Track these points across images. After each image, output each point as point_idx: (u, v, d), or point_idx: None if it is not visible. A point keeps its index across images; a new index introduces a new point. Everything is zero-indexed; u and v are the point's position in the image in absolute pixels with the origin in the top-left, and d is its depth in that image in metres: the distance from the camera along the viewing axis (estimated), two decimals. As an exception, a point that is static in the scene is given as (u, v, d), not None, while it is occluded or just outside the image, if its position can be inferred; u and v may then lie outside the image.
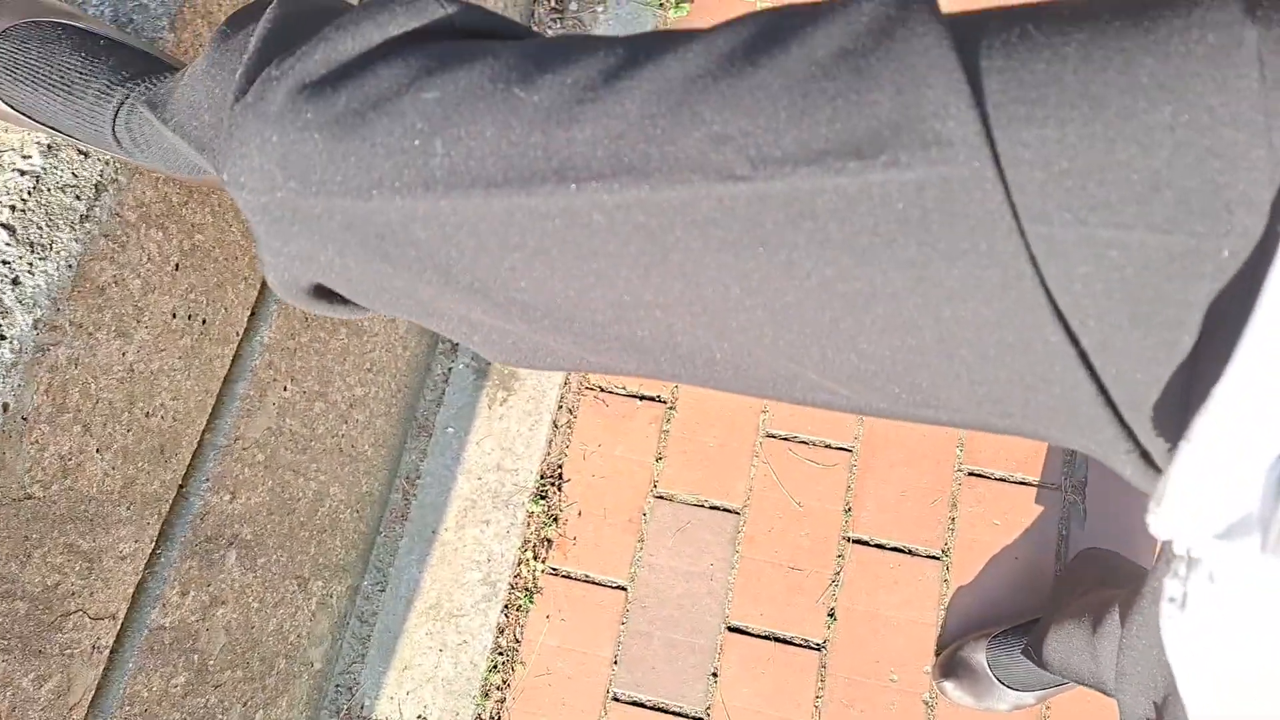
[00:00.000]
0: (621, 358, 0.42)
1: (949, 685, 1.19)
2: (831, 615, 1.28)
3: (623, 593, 1.32)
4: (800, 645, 1.27)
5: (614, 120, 0.36)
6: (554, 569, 1.34)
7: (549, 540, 1.36)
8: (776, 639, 1.28)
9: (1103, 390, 0.32)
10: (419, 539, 1.39)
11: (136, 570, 0.89)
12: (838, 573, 1.29)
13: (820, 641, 1.27)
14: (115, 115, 0.68)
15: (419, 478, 1.42)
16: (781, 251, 0.35)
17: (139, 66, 0.70)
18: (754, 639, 1.28)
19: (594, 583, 1.33)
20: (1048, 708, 1.20)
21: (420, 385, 1.46)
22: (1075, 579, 1.11)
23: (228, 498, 1.01)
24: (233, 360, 0.99)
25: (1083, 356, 0.32)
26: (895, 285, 0.33)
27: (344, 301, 0.51)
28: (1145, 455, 0.34)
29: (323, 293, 0.50)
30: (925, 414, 0.38)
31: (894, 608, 1.27)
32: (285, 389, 1.08)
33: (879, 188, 0.32)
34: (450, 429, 1.44)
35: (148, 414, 0.86)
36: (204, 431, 0.96)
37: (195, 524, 0.96)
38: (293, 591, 1.18)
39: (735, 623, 1.29)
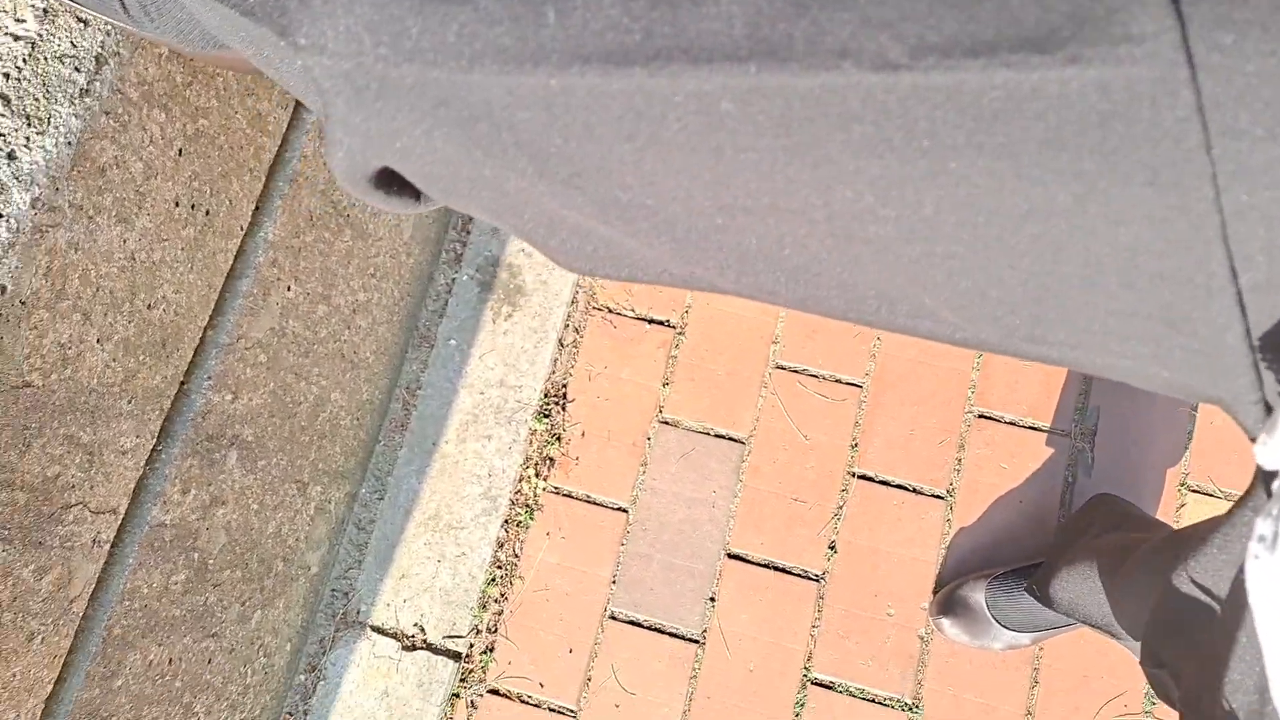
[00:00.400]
0: (718, 270, 0.39)
1: (946, 622, 1.19)
2: (832, 548, 1.27)
3: (624, 514, 1.31)
4: (799, 575, 1.27)
5: None
6: (556, 487, 1.33)
7: (551, 459, 1.34)
8: (776, 568, 1.28)
9: (1248, 333, 0.29)
10: (419, 450, 1.37)
11: (138, 465, 0.87)
12: (840, 506, 1.29)
13: (819, 573, 1.27)
14: None
15: (420, 389, 1.40)
16: (931, 155, 0.31)
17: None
18: (753, 566, 1.28)
19: (595, 503, 1.32)
20: (1041, 649, 1.21)
21: (423, 295, 1.42)
22: (1086, 522, 1.10)
23: (229, 397, 0.98)
24: (236, 255, 0.95)
25: (1238, 295, 0.29)
26: (1055, 202, 0.30)
27: (405, 191, 0.46)
28: (1267, 404, 0.31)
29: (384, 180, 0.46)
30: (1034, 350, 0.35)
31: (895, 544, 1.27)
32: (289, 289, 1.04)
33: (1056, 87, 0.28)
34: (453, 341, 1.41)
35: (149, 306, 0.83)
36: (206, 328, 0.93)
37: (197, 422, 0.94)
38: (292, 495, 1.17)
39: (735, 550, 1.29)
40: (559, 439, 1.35)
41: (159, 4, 0.63)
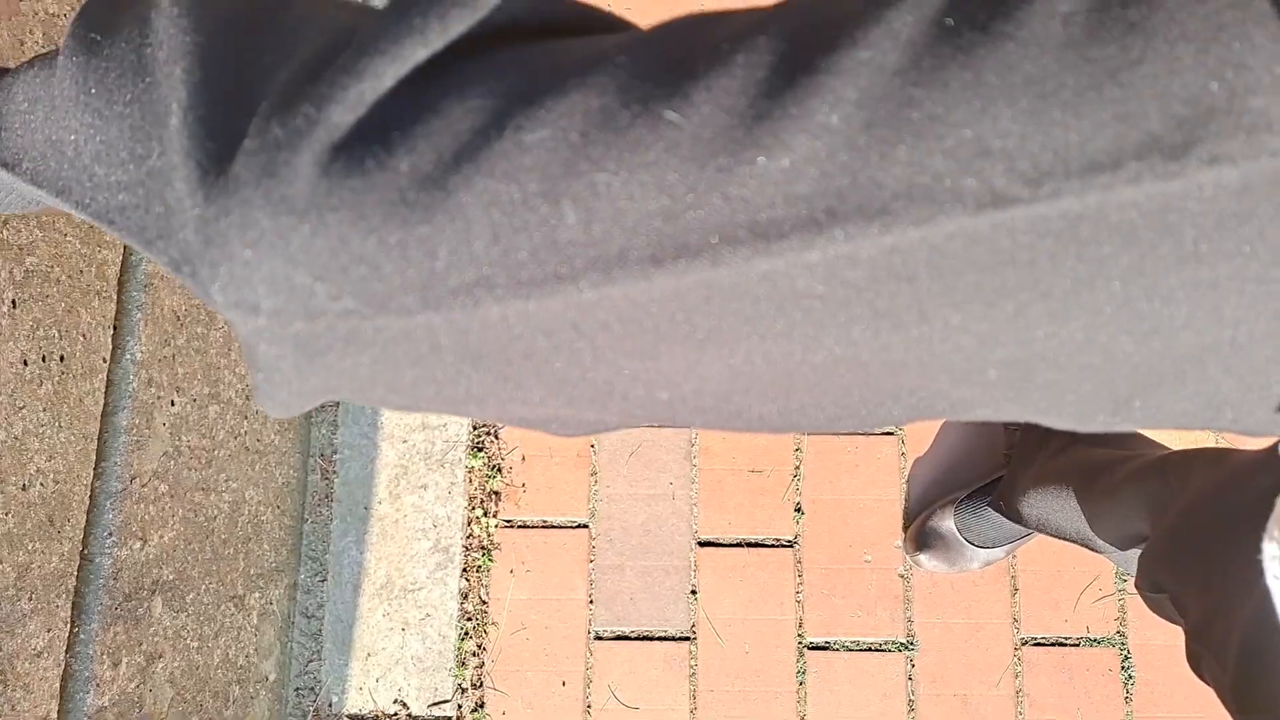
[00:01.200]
0: (758, 426, 0.33)
1: (923, 557, 1.21)
2: (798, 510, 1.27)
3: (585, 530, 1.26)
4: (773, 545, 1.26)
5: (815, 139, 0.25)
6: (508, 521, 1.26)
7: (496, 493, 1.27)
8: (748, 544, 1.26)
9: None
10: (352, 519, 1.27)
11: (57, 662, 0.75)
12: (798, 467, 1.27)
13: (791, 538, 1.26)
14: None
15: (335, 453, 1.29)
16: (1048, 286, 0.26)
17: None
18: (726, 549, 1.26)
19: (553, 526, 1.26)
20: (1014, 557, 1.25)
21: (314, 351, 1.30)
22: (1041, 437, 1.12)
23: (138, 545, 0.86)
24: (105, 391, 0.82)
25: None
26: (1177, 315, 0.26)
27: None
28: None
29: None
30: (1098, 423, 0.32)
31: (858, 490, 1.27)
32: (173, 403, 0.92)
33: (1196, 192, 0.24)
34: (359, 393, 1.30)
35: (23, 487, 0.70)
36: (93, 483, 0.80)
37: (110, 586, 0.82)
38: (230, 614, 1.06)
39: (705, 536, 1.26)
40: (499, 470, 1.27)
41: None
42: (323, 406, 1.29)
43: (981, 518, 1.18)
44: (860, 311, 0.27)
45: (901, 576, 1.25)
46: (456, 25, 0.30)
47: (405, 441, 1.28)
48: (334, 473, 1.28)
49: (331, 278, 0.29)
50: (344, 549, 1.26)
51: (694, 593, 1.25)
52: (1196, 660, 0.69)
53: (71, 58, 0.38)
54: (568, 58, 0.30)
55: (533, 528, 1.26)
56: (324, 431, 1.29)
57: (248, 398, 1.09)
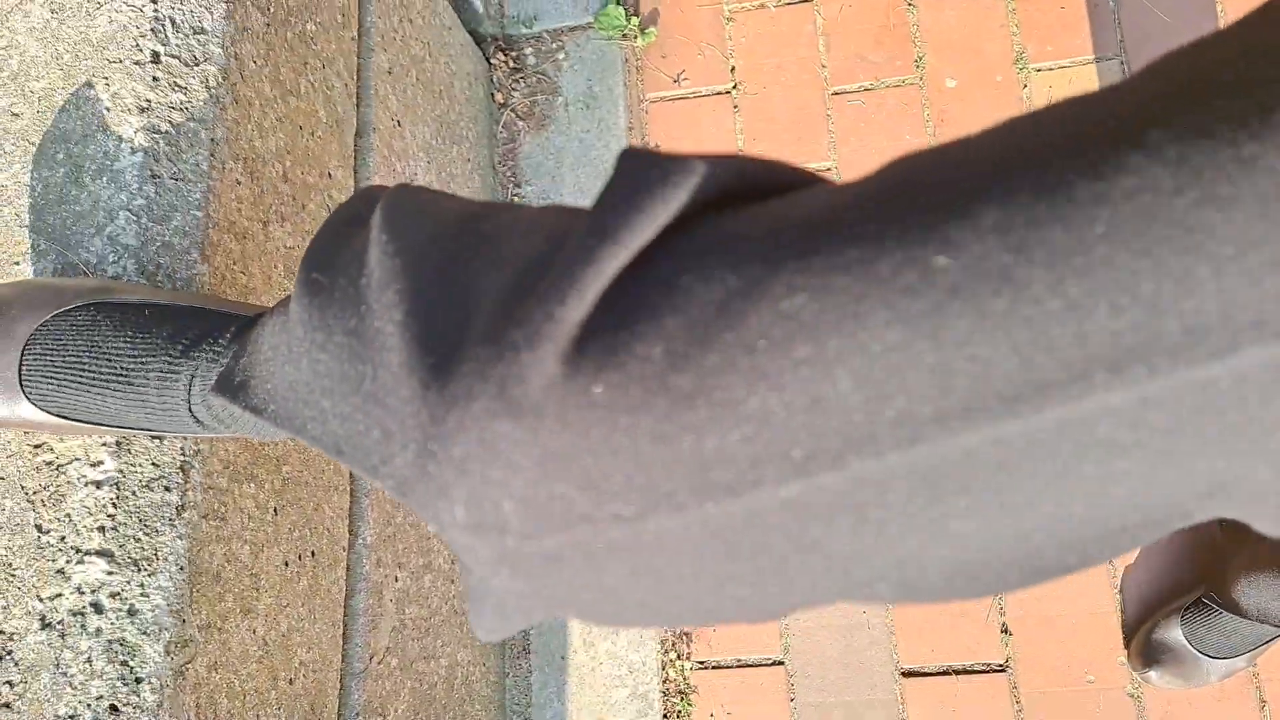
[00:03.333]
0: (1047, 577, 0.33)
1: (1154, 674, 1.12)
2: (1005, 631, 1.21)
3: (781, 668, 1.24)
4: (983, 671, 1.20)
5: (1100, 267, 0.24)
6: (701, 662, 1.26)
7: (687, 634, 1.27)
8: (955, 671, 1.20)
9: None
10: (550, 669, 1.29)
11: None
12: (997, 584, 1.22)
13: (1002, 662, 1.20)
14: (189, 394, 0.57)
15: (528, 603, 1.32)
16: (1197, 441, 0.26)
17: (196, 328, 0.59)
18: (932, 678, 1.21)
19: (748, 665, 1.25)
20: (1256, 665, 1.14)
21: (500, 506, 1.35)
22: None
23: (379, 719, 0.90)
24: (346, 577, 0.88)
25: None
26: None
27: None
28: None
29: None
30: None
31: (1066, 605, 1.20)
32: (397, 579, 0.97)
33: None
34: (545, 543, 1.34)
35: (290, 681, 0.76)
36: (341, 665, 0.86)
37: (358, 767, 0.86)
38: (453, 779, 1.08)
39: (908, 666, 1.21)
40: (688, 610, 1.28)
41: (232, 413, 0.57)
42: (512, 559, 1.34)
43: (1212, 625, 1.10)
44: (1160, 448, 0.26)
45: (1131, 696, 1.16)
46: (673, 209, 0.29)
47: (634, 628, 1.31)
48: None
49: (595, 482, 0.27)
50: (545, 701, 1.28)
51: (904, 727, 1.20)
52: None
53: (299, 301, 0.40)
54: (800, 213, 0.29)
55: (728, 668, 1.25)
56: (516, 584, 1.33)
57: (453, 562, 1.14)
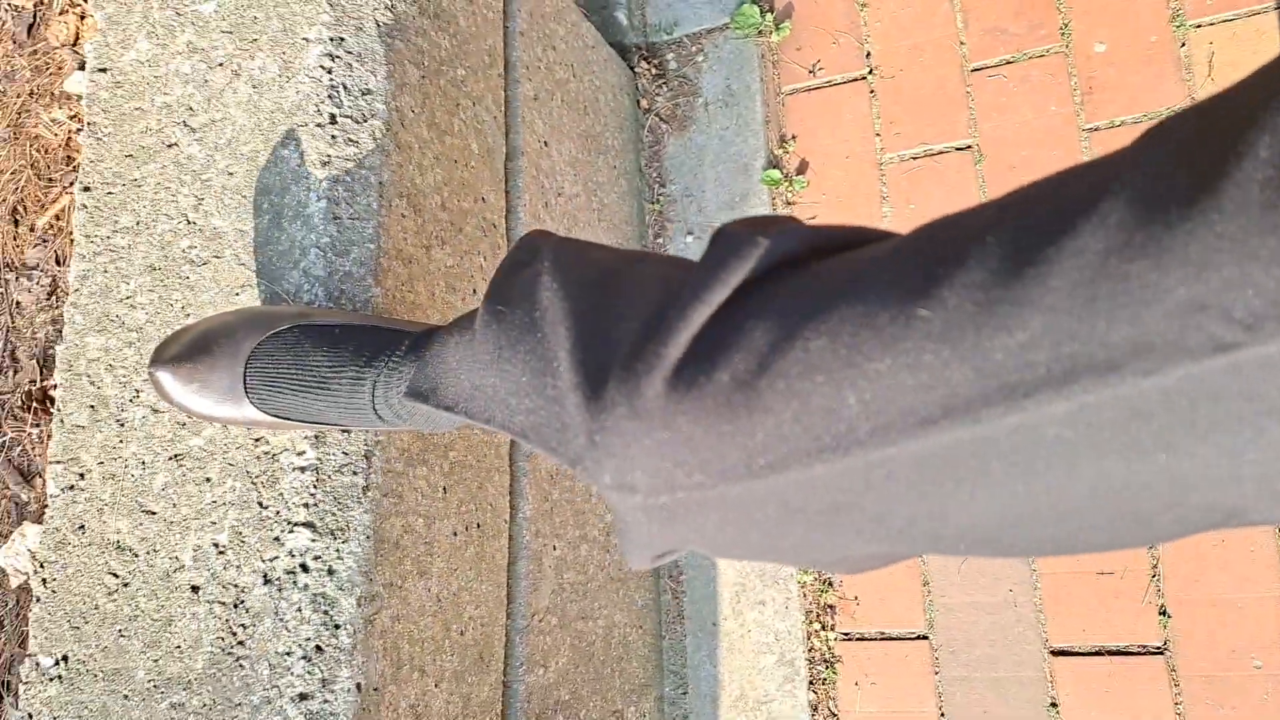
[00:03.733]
0: (1038, 551, 0.40)
1: (1330, 663, 1.06)
2: (1163, 613, 1.18)
3: (925, 642, 1.27)
4: (1138, 653, 1.18)
5: (1045, 315, 0.32)
6: (845, 634, 1.31)
7: (830, 606, 1.32)
8: (1109, 652, 1.19)
9: None
10: (703, 634, 1.39)
11: (492, 775, 0.93)
12: (1155, 565, 1.19)
13: (1160, 644, 1.17)
14: (373, 396, 0.71)
15: (681, 574, 1.42)
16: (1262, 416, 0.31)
17: (374, 343, 0.72)
18: (1084, 658, 1.20)
19: (892, 638, 1.29)
20: None
21: (655, 484, 1.46)
22: None
23: (541, 671, 1.04)
24: (508, 546, 1.01)
25: None
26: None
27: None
28: None
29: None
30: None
31: (1231, 588, 1.15)
32: (555, 548, 1.10)
33: None
34: (697, 518, 1.44)
35: (461, 632, 0.90)
36: (506, 621, 0.99)
37: (525, 708, 0.99)
38: (613, 728, 1.21)
39: (1058, 645, 1.21)
40: (830, 584, 1.33)
41: (410, 411, 0.70)
42: (667, 533, 1.45)
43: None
44: (1108, 448, 0.33)
45: (1306, 685, 1.10)
46: (742, 274, 0.42)
47: (741, 561, 1.39)
48: (682, 592, 1.41)
49: (685, 461, 0.41)
50: (699, 663, 1.38)
51: (1054, 705, 1.20)
52: None
53: (486, 327, 0.55)
54: (832, 277, 0.40)
55: (871, 640, 1.30)
56: (671, 556, 1.43)
57: (609, 534, 1.26)
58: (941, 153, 1.37)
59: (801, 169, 1.44)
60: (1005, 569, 1.25)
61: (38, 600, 0.83)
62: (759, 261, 0.42)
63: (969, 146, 1.35)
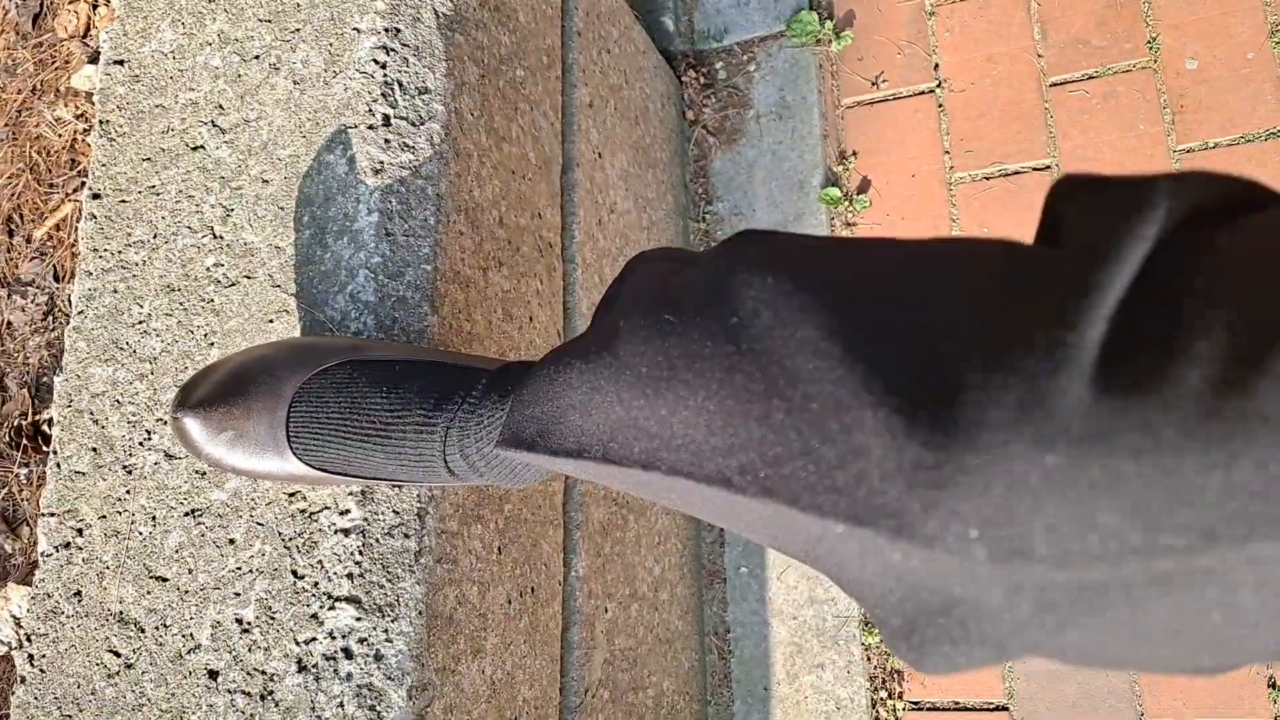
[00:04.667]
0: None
1: None
2: (1272, 685, 1.06)
3: (1005, 714, 1.15)
4: (1247, 731, 1.06)
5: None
6: (915, 703, 1.19)
7: (898, 671, 1.20)
8: (1213, 728, 1.08)
9: None
10: (753, 700, 1.27)
11: None
12: (1263, 633, 1.08)
13: (1271, 719, 1.06)
14: (444, 446, 0.59)
15: (728, 631, 1.30)
16: None
17: (441, 383, 0.60)
18: (1185, 734, 1.08)
19: (967, 709, 1.17)
20: None
21: (697, 531, 1.34)
22: None
23: (593, 754, 0.91)
24: (561, 611, 0.89)
25: None
26: None
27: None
28: None
29: None
30: None
31: (1353, 661, 1.04)
32: (606, 610, 0.98)
33: None
34: (744, 569, 1.32)
35: (515, 718, 0.77)
36: (559, 700, 0.87)
37: (577, 799, 0.87)
38: (662, 808, 1.08)
39: (1153, 715, 1.10)
40: (898, 644, 1.21)
41: (490, 461, 0.58)
42: (711, 582, 1.32)
43: None
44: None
45: None
46: (1157, 225, 0.29)
47: (795, 618, 1.27)
48: (729, 652, 1.29)
49: (1144, 511, 0.26)
50: (749, 730, 1.26)
51: (1151, 786, 1.08)
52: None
53: (648, 343, 0.40)
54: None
55: (944, 710, 1.18)
56: (714, 610, 1.31)
57: (655, 589, 1.14)
58: (1018, 173, 1.27)
59: (863, 188, 1.33)
60: (1094, 632, 1.13)
61: (22, 680, 0.70)
62: (1166, 217, 0.29)
63: (1048, 167, 1.25)
